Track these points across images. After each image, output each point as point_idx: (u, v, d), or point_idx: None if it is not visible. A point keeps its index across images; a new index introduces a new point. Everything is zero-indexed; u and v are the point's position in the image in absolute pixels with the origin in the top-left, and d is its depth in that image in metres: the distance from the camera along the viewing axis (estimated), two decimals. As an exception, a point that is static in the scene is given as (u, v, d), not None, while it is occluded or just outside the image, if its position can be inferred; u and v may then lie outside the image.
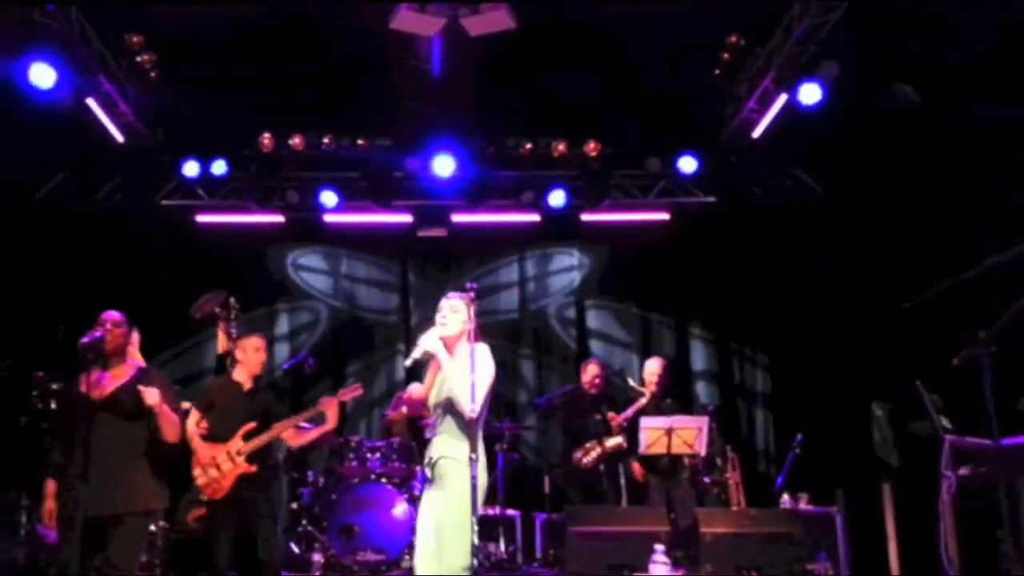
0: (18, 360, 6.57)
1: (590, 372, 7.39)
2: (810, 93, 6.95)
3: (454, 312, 4.18)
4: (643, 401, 7.05)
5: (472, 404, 3.96)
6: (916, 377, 5.22)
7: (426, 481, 4.16)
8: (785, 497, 7.00)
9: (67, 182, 8.59)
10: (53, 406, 5.66)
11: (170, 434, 4.46)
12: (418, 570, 3.97)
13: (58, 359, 5.16)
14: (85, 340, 4.33)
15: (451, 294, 4.29)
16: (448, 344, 4.13)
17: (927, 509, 5.03)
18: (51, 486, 4.43)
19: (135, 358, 4.82)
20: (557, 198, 8.67)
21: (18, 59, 6.43)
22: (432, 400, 4.19)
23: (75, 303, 7.06)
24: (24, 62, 6.44)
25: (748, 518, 6.20)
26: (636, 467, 7.08)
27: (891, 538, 6.66)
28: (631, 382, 7.39)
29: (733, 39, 7.46)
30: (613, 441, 7.00)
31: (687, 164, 8.53)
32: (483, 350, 4.12)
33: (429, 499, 4.09)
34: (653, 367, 7.26)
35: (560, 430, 7.62)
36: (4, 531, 6.37)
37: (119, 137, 7.63)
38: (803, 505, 6.93)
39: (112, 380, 4.49)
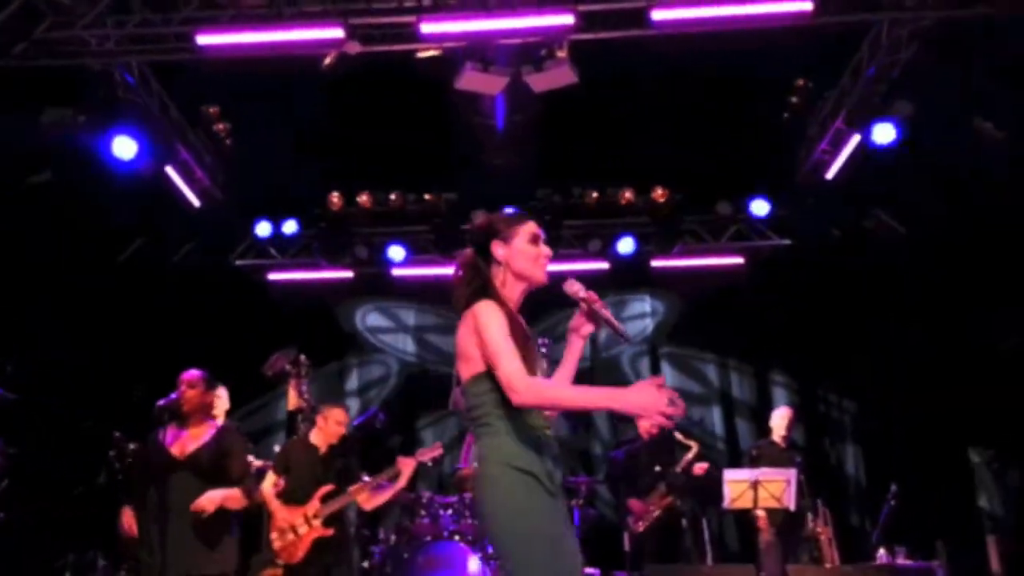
0: (97, 419, 6.68)
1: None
2: (884, 133, 6.75)
3: None
4: (688, 456, 6.79)
5: None
6: (1015, 421, 4.91)
7: (557, 509, 2.60)
8: (881, 551, 6.79)
9: (146, 246, 8.83)
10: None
11: (234, 506, 4.46)
12: None
13: (135, 418, 5.23)
14: (161, 402, 4.42)
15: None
16: None
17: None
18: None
19: (219, 415, 4.85)
20: (626, 245, 8.60)
21: (103, 133, 6.67)
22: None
23: (152, 362, 7.19)
24: (108, 135, 6.68)
25: (843, 575, 5.97)
26: (761, 516, 6.75)
27: (1000, 594, 6.29)
28: (678, 435, 6.94)
29: (801, 82, 7.42)
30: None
31: (760, 207, 8.43)
32: None
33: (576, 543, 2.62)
34: (780, 416, 7.13)
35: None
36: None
37: (195, 201, 7.85)
38: (901, 560, 6.70)
39: (192, 439, 4.54)
